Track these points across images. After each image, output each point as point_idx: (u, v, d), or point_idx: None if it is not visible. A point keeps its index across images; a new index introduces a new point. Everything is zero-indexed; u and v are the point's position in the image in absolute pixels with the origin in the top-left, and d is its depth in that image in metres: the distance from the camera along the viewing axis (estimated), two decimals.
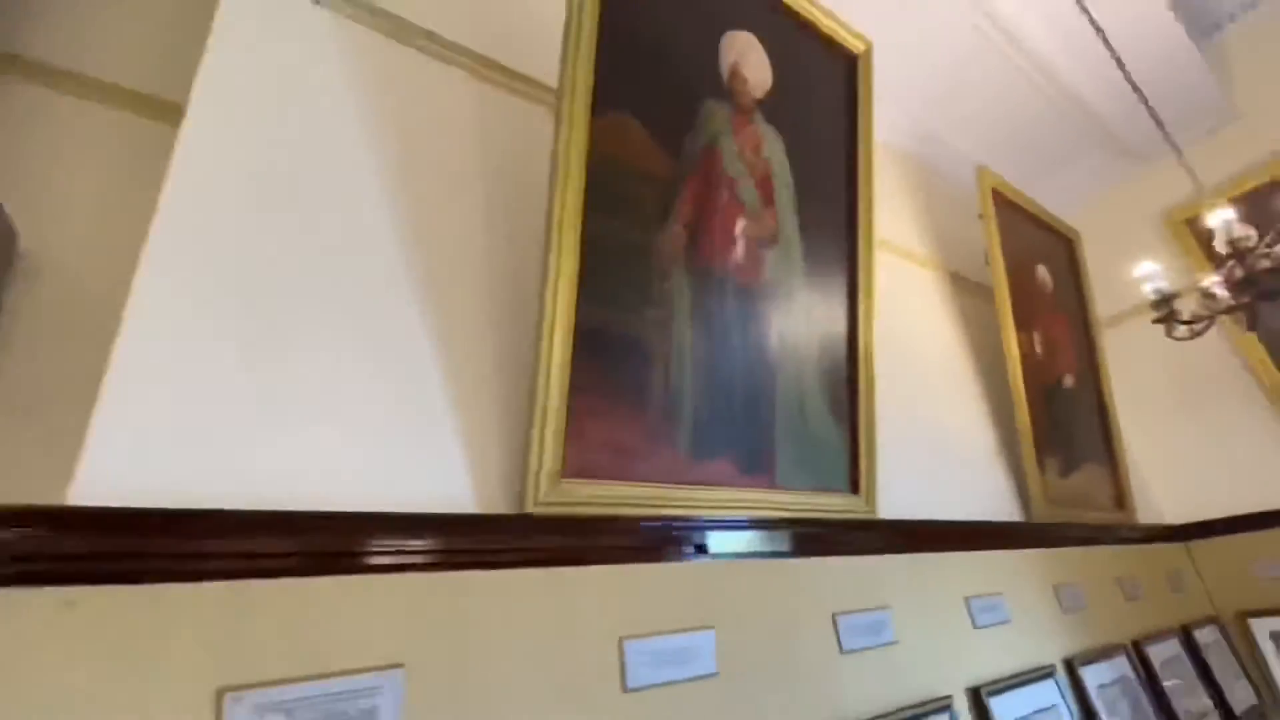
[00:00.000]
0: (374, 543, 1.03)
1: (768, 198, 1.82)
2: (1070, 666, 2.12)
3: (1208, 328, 1.99)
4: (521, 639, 1.12)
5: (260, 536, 0.94)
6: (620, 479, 1.37)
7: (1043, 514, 2.52)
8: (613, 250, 1.45)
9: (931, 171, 3.45)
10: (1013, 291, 2.84)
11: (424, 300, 1.33)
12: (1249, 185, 3.26)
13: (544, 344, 1.28)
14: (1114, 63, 2.44)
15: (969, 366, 2.82)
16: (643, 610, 1.29)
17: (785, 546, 1.59)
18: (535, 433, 1.24)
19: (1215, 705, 2.57)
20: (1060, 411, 2.90)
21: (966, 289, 3.10)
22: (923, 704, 1.63)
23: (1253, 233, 1.86)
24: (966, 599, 1.96)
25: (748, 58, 1.82)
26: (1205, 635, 2.91)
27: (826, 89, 2.10)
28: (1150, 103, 2.99)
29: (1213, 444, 3.38)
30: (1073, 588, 2.40)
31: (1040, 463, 2.64)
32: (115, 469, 0.91)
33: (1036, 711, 1.87)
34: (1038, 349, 2.92)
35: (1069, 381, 3.05)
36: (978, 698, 1.76)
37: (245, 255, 1.16)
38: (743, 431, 1.63)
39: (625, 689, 1.19)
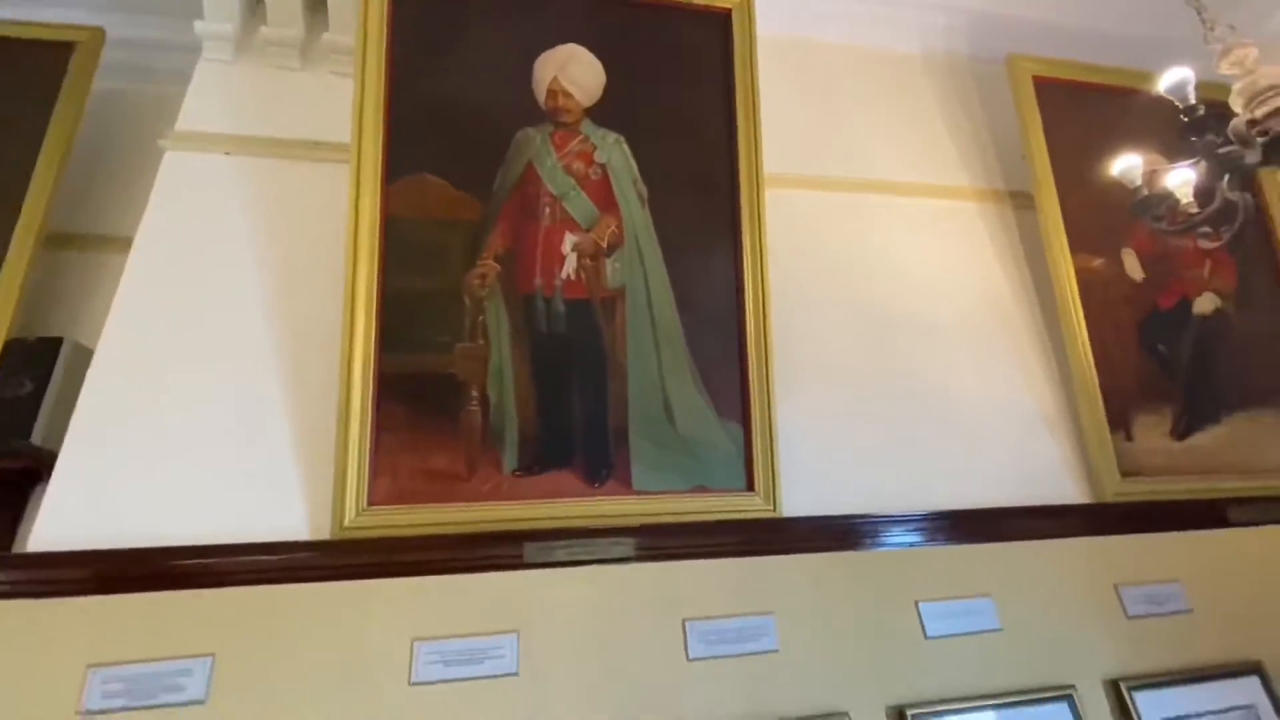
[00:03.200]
0: (193, 563, 1.41)
1: (607, 203, 1.80)
2: (1117, 689, 1.64)
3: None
4: (320, 638, 1.41)
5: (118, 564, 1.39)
6: (438, 502, 1.57)
7: (1118, 491, 1.94)
8: (416, 300, 1.65)
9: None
10: (1077, 200, 2.21)
11: (278, 362, 1.69)
12: None
13: (343, 393, 1.55)
14: None
15: (1028, 312, 2.26)
16: (439, 616, 1.47)
17: (626, 553, 1.60)
18: (338, 471, 1.52)
19: None
20: (1178, 349, 2.16)
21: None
22: (809, 719, 1.48)
23: None
24: (918, 603, 1.67)
25: (568, 71, 1.83)
26: None
27: (698, 56, 1.96)
28: None
29: None
30: (1157, 588, 1.81)
31: (1125, 422, 2.03)
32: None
33: None
34: (1134, 270, 2.22)
35: (1206, 305, 2.24)
36: (900, 717, 1.52)
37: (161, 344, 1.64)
38: (587, 442, 1.67)
39: (411, 683, 1.40)
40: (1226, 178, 1.34)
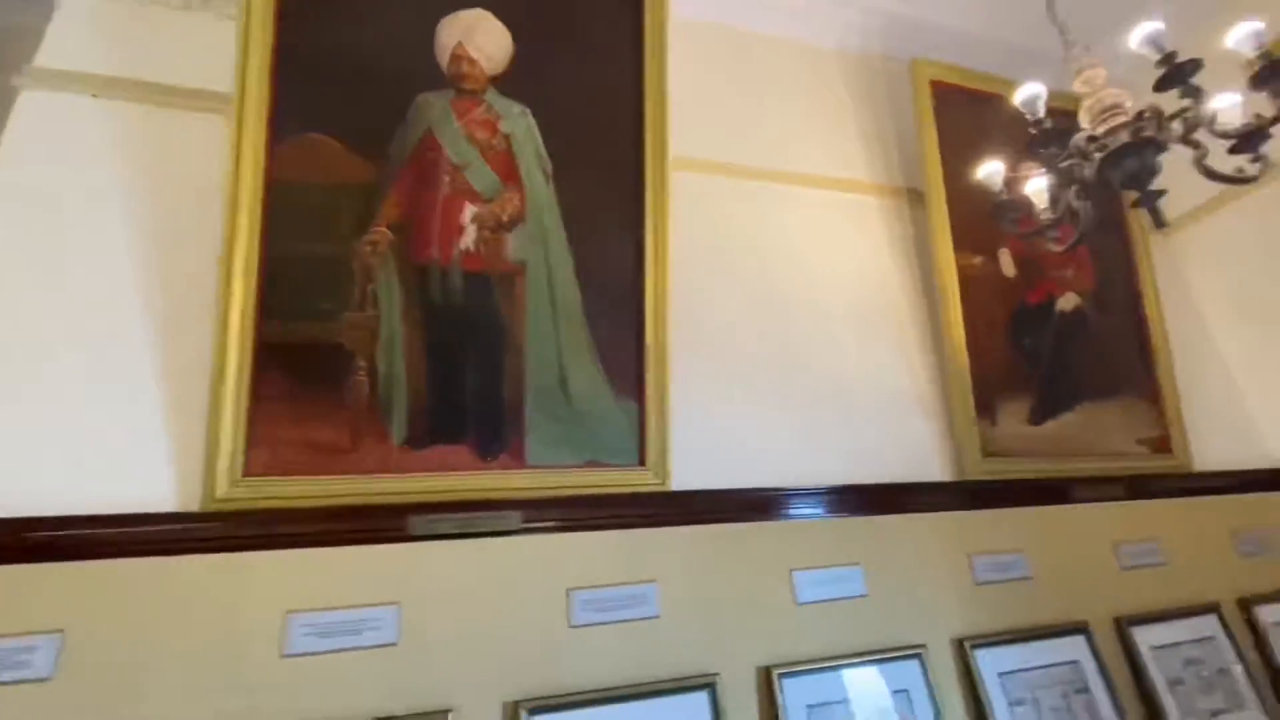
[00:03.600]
0: (46, 536, 1.33)
1: (510, 176, 1.79)
2: (961, 646, 1.82)
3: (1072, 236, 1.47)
4: (185, 613, 1.36)
5: None
6: (320, 474, 1.53)
7: (979, 470, 2.13)
8: (302, 265, 1.59)
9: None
10: (963, 200, 2.35)
11: (148, 326, 1.59)
12: None
13: (217, 360, 1.48)
14: None
15: (915, 303, 2.41)
16: (316, 589, 1.45)
17: (514, 525, 1.62)
18: (210, 440, 1.46)
19: None
20: (1041, 342, 2.37)
21: None
22: (681, 679, 1.57)
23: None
24: (792, 571, 1.79)
25: (473, 37, 1.78)
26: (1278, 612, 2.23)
27: (610, 32, 1.95)
28: None
29: None
30: (1004, 557, 2.01)
31: (989, 408, 2.22)
32: None
33: (832, 703, 1.65)
34: (1007, 268, 2.41)
35: (1068, 303, 2.46)
36: (768, 678, 1.63)
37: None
38: (479, 416, 1.68)
39: (283, 655, 1.38)
40: (1074, 188, 1.47)
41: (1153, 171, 1.35)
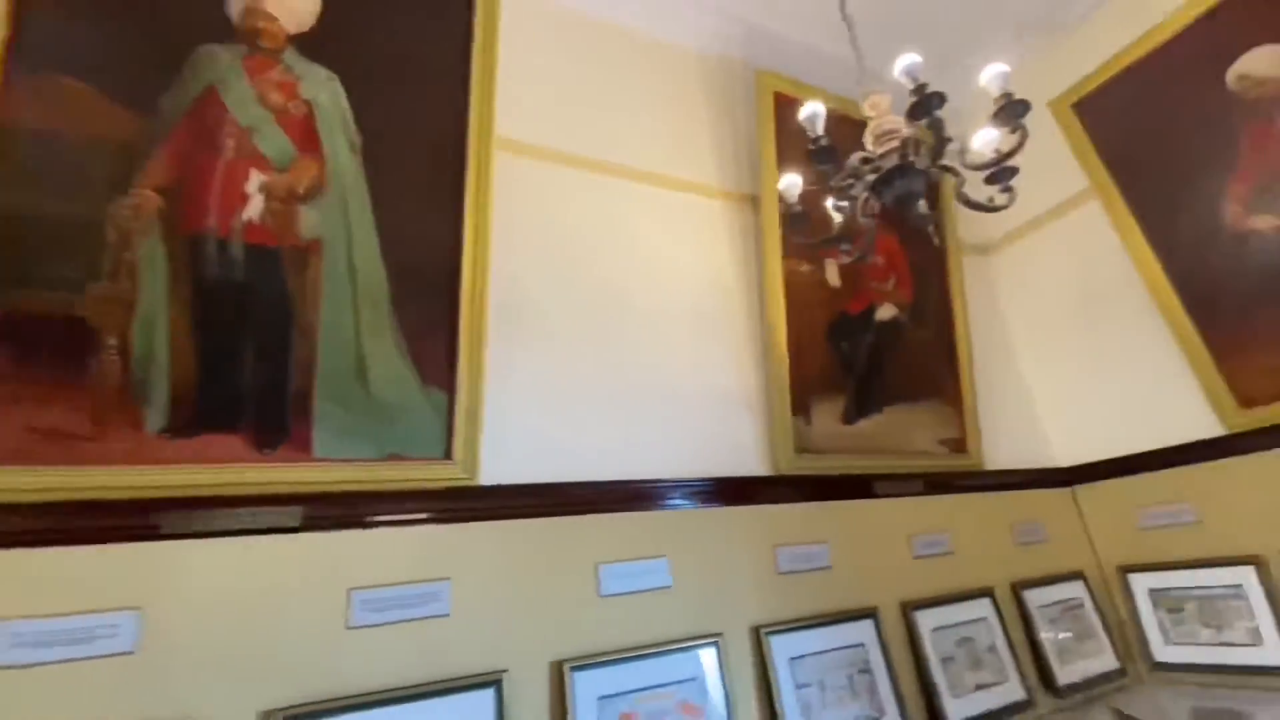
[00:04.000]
0: None
1: (308, 144, 1.66)
2: (757, 633, 1.91)
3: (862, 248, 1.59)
4: None
5: None
6: (54, 464, 1.35)
7: (793, 465, 2.25)
8: (36, 227, 1.39)
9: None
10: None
11: None
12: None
13: None
14: None
15: (747, 306, 2.50)
16: (37, 595, 1.28)
17: (292, 522, 1.52)
18: None
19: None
20: (858, 348, 2.54)
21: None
22: (465, 678, 1.53)
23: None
24: (598, 565, 1.80)
25: None
26: (1044, 594, 2.53)
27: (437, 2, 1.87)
28: None
29: (1111, 375, 2.85)
30: (807, 548, 2.14)
31: (806, 407, 2.34)
32: None
33: (625, 693, 1.68)
34: (833, 278, 2.55)
35: (886, 313, 2.65)
36: (559, 672, 1.63)
37: None
38: (259, 404, 1.54)
39: None
40: (863, 203, 1.57)
41: (917, 194, 1.47)
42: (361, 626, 1.49)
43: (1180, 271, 2.52)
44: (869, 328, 2.58)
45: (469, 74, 1.86)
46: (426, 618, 1.56)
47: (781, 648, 1.91)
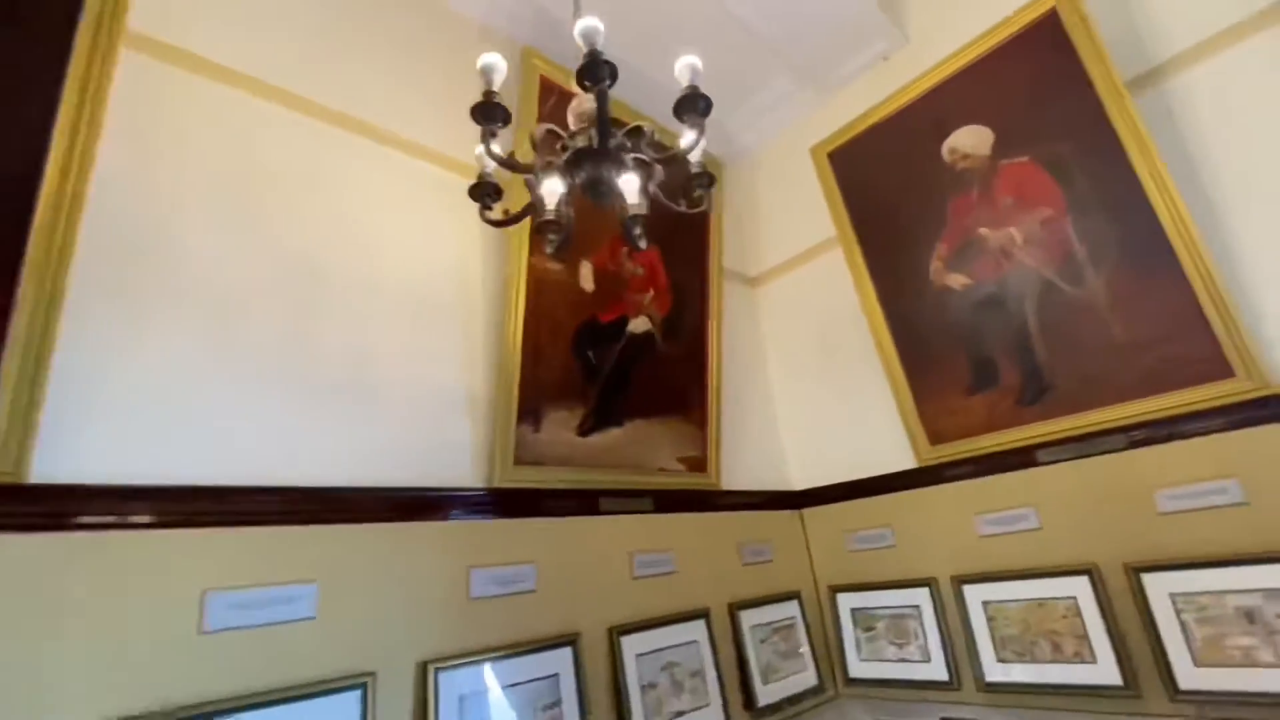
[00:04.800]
0: None
1: None
2: (424, 671, 1.65)
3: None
4: None
5: None
6: None
7: (509, 478, 2.04)
8: None
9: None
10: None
11: None
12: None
13: None
14: None
15: (486, 299, 2.27)
16: None
17: None
18: None
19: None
20: (605, 358, 2.43)
21: None
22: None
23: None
24: (205, 593, 1.42)
25: None
26: (760, 615, 2.60)
27: None
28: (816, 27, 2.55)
29: (840, 407, 3.06)
30: (511, 569, 1.93)
31: (537, 415, 2.16)
32: None
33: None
34: (586, 281, 2.42)
35: (640, 326, 2.58)
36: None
37: None
38: None
39: None
40: (562, 194, 1.41)
41: (606, 185, 1.35)
42: None
43: (896, 319, 2.77)
44: (619, 338, 2.49)
45: None
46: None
47: (450, 685, 1.67)
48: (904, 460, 2.75)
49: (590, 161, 1.32)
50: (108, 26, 1.42)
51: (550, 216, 1.33)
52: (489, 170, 1.45)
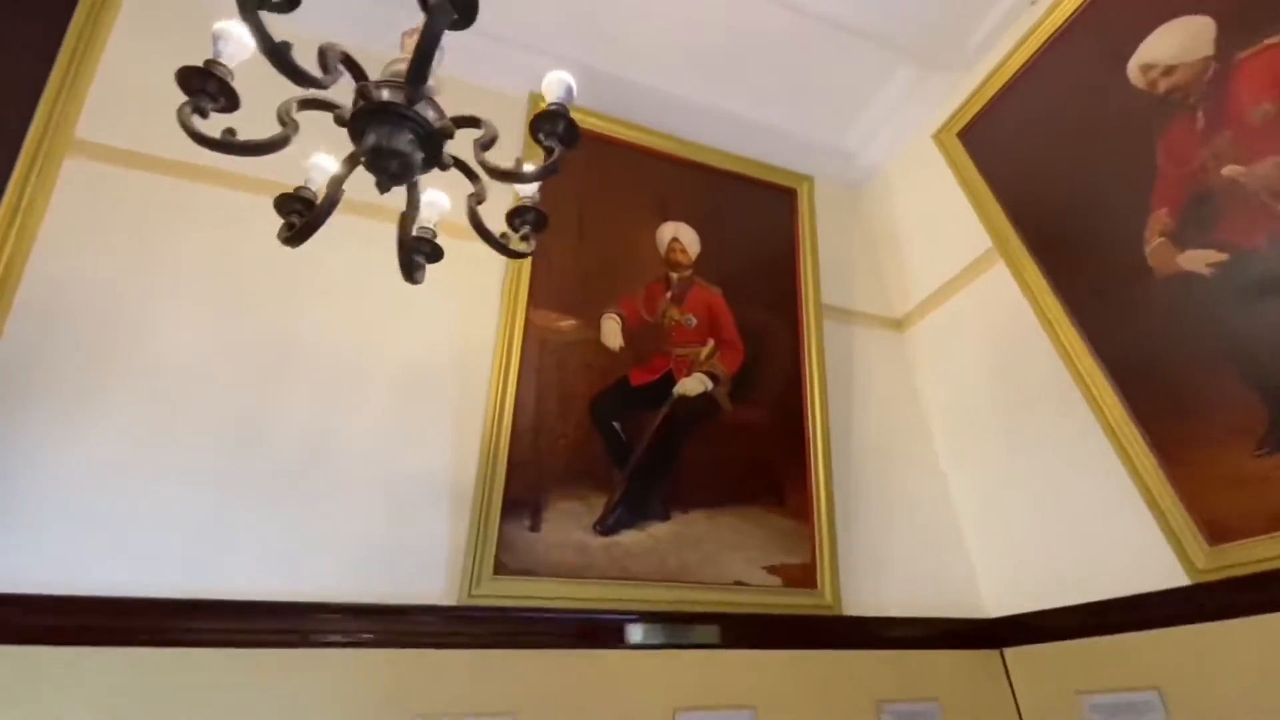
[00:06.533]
0: None
1: None
2: None
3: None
4: None
5: None
6: None
7: (485, 592, 1.57)
8: None
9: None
10: (578, 255, 1.96)
11: None
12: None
13: None
14: None
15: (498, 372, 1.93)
16: None
17: None
18: None
19: None
20: (638, 431, 1.88)
21: None
22: None
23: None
24: None
25: None
26: None
27: None
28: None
29: (1045, 482, 2.01)
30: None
31: (536, 506, 1.69)
32: None
33: None
34: (611, 338, 1.96)
35: (694, 386, 2.00)
36: None
37: None
38: None
39: None
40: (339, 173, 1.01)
41: (403, 158, 0.93)
42: None
43: (1103, 342, 1.77)
44: (661, 403, 1.93)
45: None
46: None
47: None
48: (1167, 571, 1.63)
49: (381, 125, 0.92)
50: (51, 135, 1.48)
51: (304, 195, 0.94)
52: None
